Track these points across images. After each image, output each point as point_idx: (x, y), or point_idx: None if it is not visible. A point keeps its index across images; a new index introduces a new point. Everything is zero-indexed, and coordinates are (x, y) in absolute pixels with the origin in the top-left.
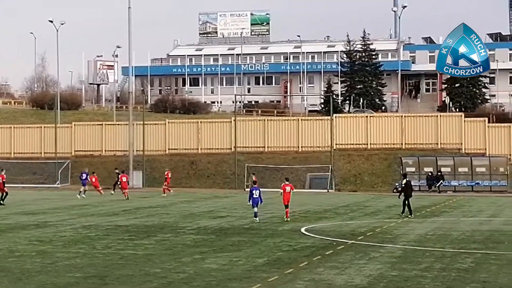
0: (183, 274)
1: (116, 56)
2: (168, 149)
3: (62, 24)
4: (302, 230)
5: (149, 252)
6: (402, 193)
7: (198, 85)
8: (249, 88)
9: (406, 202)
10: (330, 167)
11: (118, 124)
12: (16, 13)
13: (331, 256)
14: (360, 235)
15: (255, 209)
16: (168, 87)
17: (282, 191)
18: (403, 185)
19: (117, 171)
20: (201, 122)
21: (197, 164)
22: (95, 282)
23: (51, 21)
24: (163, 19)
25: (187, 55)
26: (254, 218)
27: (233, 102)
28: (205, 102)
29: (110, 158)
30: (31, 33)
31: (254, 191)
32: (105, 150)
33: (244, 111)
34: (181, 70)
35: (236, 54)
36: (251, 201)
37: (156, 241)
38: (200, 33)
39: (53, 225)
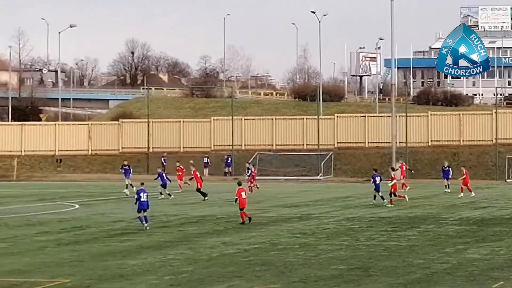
0: (446, 264)
1: (379, 48)
2: (431, 140)
3: (324, 15)
4: None
5: (413, 243)
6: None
7: (460, 78)
8: (510, 81)
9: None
10: None
11: (381, 116)
12: (279, 4)
13: None
14: None
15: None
16: (431, 79)
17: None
18: None
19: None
20: (463, 114)
21: (458, 156)
22: (359, 274)
23: (313, 12)
24: (425, 12)
25: None
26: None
27: (494, 94)
28: (467, 94)
29: (373, 150)
30: (293, 24)
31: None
32: (368, 142)
33: (504, 103)
34: None
35: (497, 48)
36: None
37: (419, 232)
38: None
39: (316, 217)
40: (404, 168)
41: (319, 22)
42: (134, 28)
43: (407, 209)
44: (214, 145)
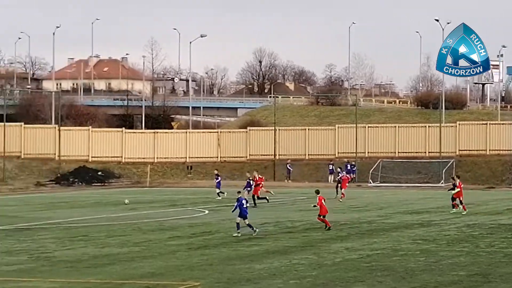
0: None
1: (501, 55)
2: None
3: (448, 23)
4: None
5: None
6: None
7: None
8: None
9: None
10: None
11: (502, 124)
12: (403, 12)
13: None
14: None
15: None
16: None
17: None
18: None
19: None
20: None
21: None
22: (478, 280)
23: (437, 20)
24: None
25: None
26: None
27: None
28: None
29: (494, 158)
30: (416, 32)
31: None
32: (489, 150)
33: None
34: None
35: None
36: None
37: None
38: None
39: (437, 224)
40: None
41: (443, 30)
42: (262, 38)
43: None
44: (338, 152)
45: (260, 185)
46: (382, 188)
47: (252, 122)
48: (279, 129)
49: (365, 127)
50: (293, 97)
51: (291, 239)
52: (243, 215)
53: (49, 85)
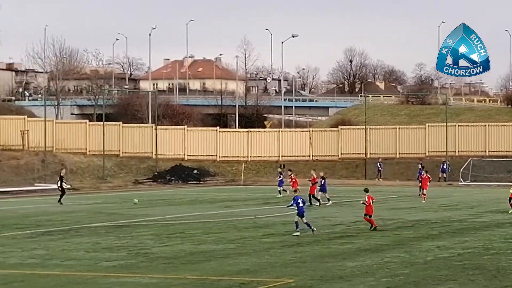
0: None
1: None
2: None
3: None
4: None
5: None
6: None
7: None
8: None
9: None
10: None
11: None
12: (491, 11)
13: None
14: None
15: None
16: None
17: None
18: None
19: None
20: None
21: None
22: None
23: None
24: None
25: None
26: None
27: None
28: None
29: None
30: (506, 30)
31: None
32: None
33: None
34: None
35: None
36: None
37: None
38: None
39: None
40: None
41: None
42: (352, 37)
43: None
44: (428, 151)
45: (315, 185)
46: (473, 187)
47: (343, 121)
48: (370, 128)
49: (455, 125)
50: (383, 96)
51: (382, 237)
52: (300, 214)
53: (145, 85)
